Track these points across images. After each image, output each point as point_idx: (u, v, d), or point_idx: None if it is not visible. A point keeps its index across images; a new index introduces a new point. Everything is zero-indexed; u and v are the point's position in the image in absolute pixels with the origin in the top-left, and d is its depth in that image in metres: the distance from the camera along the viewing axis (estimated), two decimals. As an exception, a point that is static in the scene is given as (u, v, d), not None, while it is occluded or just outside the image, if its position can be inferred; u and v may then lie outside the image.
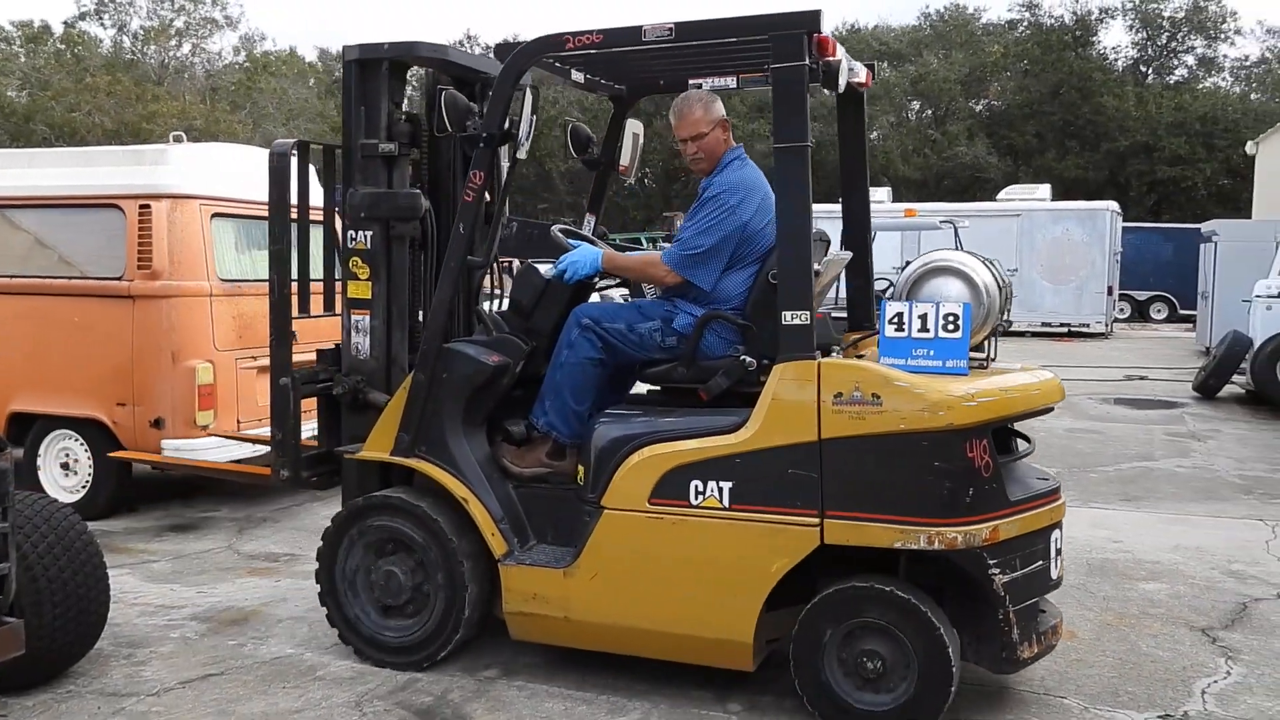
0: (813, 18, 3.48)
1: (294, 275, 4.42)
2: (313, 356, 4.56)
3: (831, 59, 3.53)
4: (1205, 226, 17.17)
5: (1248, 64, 39.81)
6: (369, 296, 4.28)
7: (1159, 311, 26.53)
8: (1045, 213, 20.96)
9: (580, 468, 3.89)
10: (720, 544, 3.58)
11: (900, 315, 3.54)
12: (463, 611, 3.92)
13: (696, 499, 3.60)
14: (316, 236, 4.69)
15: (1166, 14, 38.83)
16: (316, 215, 4.65)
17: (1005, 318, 3.79)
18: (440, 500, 4.03)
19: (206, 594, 4.93)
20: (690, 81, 4.37)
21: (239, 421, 6.13)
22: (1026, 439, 3.90)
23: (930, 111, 41.68)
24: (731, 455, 3.56)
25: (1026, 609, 3.56)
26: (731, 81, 4.35)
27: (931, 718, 3.40)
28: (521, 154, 3.85)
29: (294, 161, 4.38)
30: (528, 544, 3.97)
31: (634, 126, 4.66)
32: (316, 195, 4.74)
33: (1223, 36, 38.13)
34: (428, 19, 74.74)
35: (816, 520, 3.46)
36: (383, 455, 4.11)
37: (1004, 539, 3.45)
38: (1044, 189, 22.85)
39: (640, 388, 4.26)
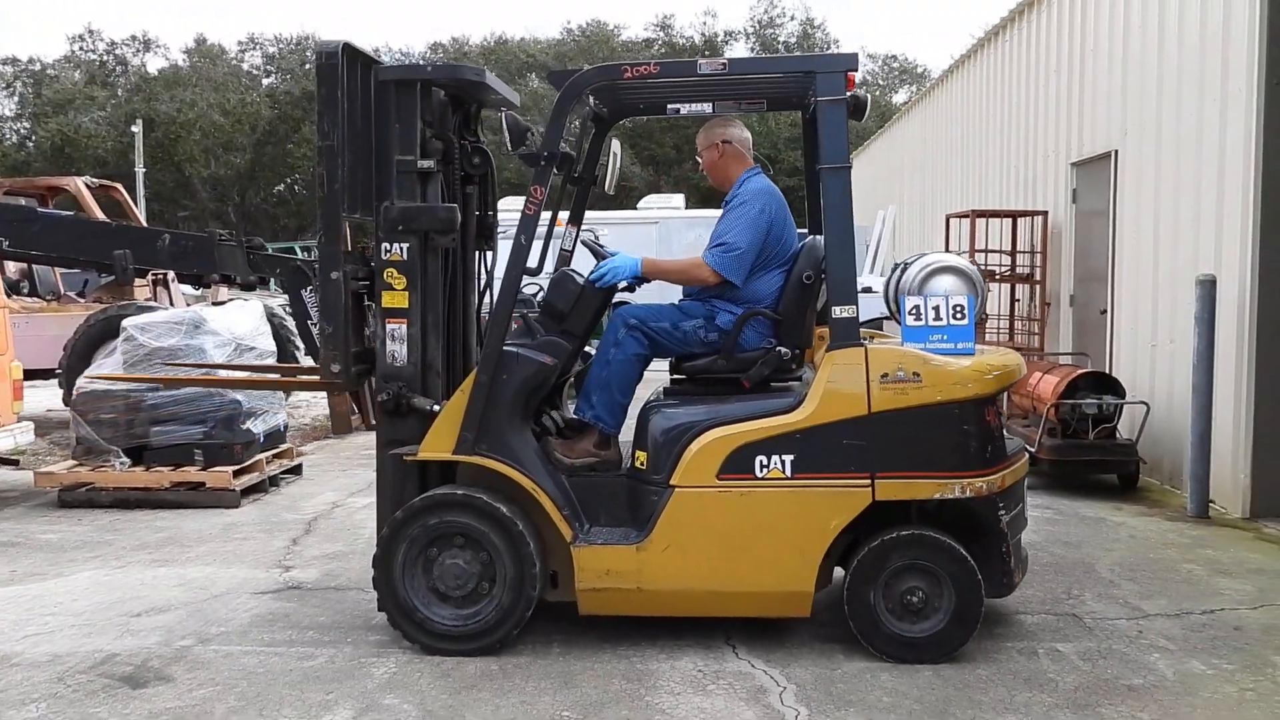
0: (852, 59, 4.16)
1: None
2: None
3: (860, 93, 4.22)
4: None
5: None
6: (406, 306, 4.44)
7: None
8: (680, 220, 22.75)
9: (639, 453, 4.33)
10: (784, 508, 4.16)
11: (918, 307, 4.29)
12: (533, 589, 4.22)
13: (762, 471, 4.16)
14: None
15: (781, 39, 43.37)
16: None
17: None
18: (497, 493, 4.31)
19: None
20: (668, 106, 4.93)
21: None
22: None
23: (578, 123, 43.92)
24: (793, 432, 4.15)
25: (1017, 542, 4.41)
26: (708, 107, 4.95)
27: (964, 639, 4.15)
28: (609, 189, 4.28)
29: (342, 61, 4.33)
30: (586, 527, 4.34)
31: (614, 145, 5.11)
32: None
33: (828, 61, 43.07)
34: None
35: (868, 481, 4.13)
36: (445, 455, 4.32)
37: (1007, 486, 4.28)
38: (678, 198, 24.90)
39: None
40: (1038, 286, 9.67)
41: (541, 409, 4.60)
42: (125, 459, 7.10)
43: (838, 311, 4.16)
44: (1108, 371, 7.61)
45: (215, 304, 10.90)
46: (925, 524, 4.24)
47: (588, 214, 5.18)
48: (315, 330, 9.71)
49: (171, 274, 10.02)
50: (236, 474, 7.03)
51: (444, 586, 4.29)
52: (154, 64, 44.11)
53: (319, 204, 4.41)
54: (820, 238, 4.57)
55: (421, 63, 5.23)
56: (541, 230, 4.58)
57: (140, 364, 7.10)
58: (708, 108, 4.93)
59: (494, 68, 45.18)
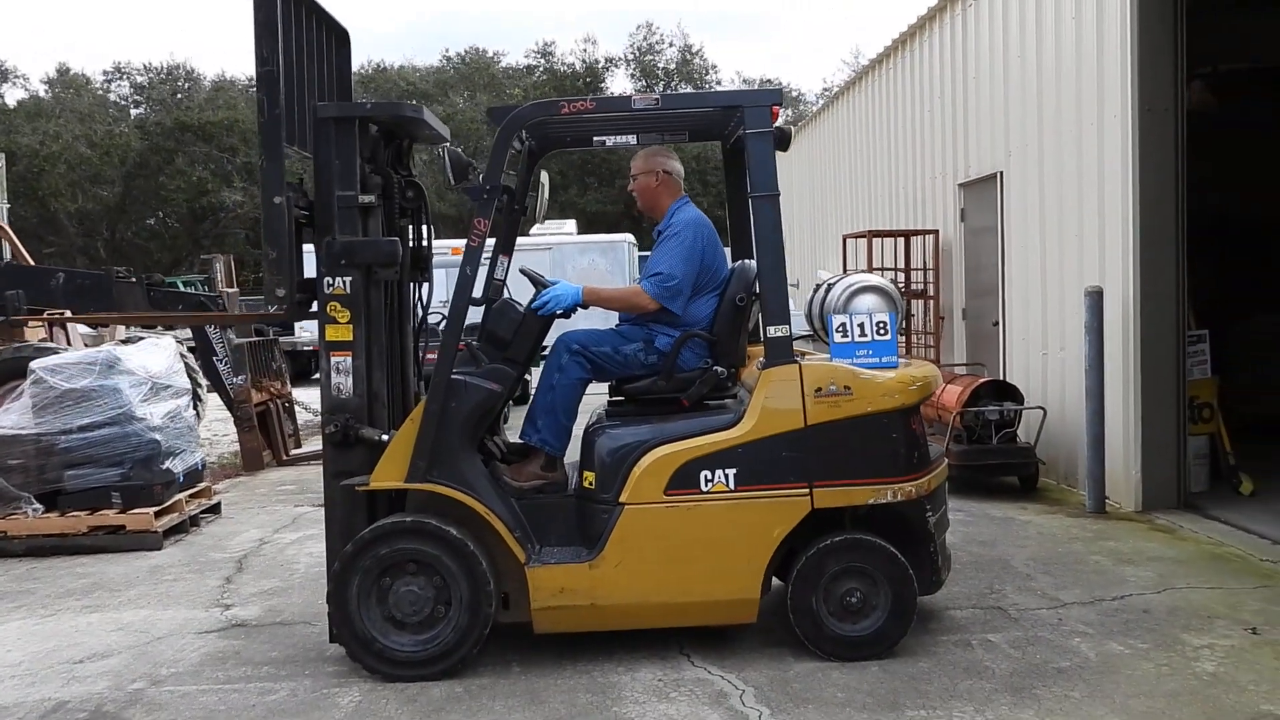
0: (777, 94, 4.43)
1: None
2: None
3: (785, 126, 4.48)
4: None
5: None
6: (350, 338, 4.51)
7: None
8: (573, 245, 23.14)
9: (586, 473, 4.48)
10: (729, 520, 4.36)
11: (844, 325, 4.56)
12: (489, 607, 4.32)
13: (706, 485, 4.35)
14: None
15: (660, 65, 44.20)
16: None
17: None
18: (447, 518, 4.41)
19: None
20: (594, 139, 5.13)
21: None
22: None
23: (461, 149, 43.92)
24: (735, 446, 4.36)
25: (942, 542, 4.70)
26: (633, 139, 5.16)
27: (902, 633, 4.41)
28: (539, 219, 4.40)
29: None
30: (537, 548, 4.47)
31: (543, 177, 5.27)
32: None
33: (707, 86, 43.95)
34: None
35: (807, 490, 4.36)
36: (397, 483, 4.40)
37: (933, 489, 4.57)
38: (570, 224, 25.34)
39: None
40: (931, 301, 10.15)
41: (484, 435, 4.71)
42: (38, 505, 6.91)
43: (772, 331, 4.39)
44: (1003, 379, 8.04)
45: (122, 342, 10.66)
46: (858, 529, 4.49)
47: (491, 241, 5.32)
48: (220, 366, 9.60)
49: (69, 313, 9.73)
50: (158, 515, 6.91)
51: (400, 614, 4.35)
52: (13, 95, 42.38)
53: (259, 129, 4.44)
54: (749, 262, 4.83)
55: (361, 100, 5.30)
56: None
57: (50, 407, 6.94)
58: (633, 139, 5.14)
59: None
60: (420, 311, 5.01)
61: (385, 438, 4.49)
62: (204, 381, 10.72)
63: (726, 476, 4.36)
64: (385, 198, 4.73)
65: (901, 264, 10.61)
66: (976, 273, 9.60)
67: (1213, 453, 7.40)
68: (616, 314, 4.90)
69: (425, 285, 5.10)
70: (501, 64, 45.19)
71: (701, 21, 70.09)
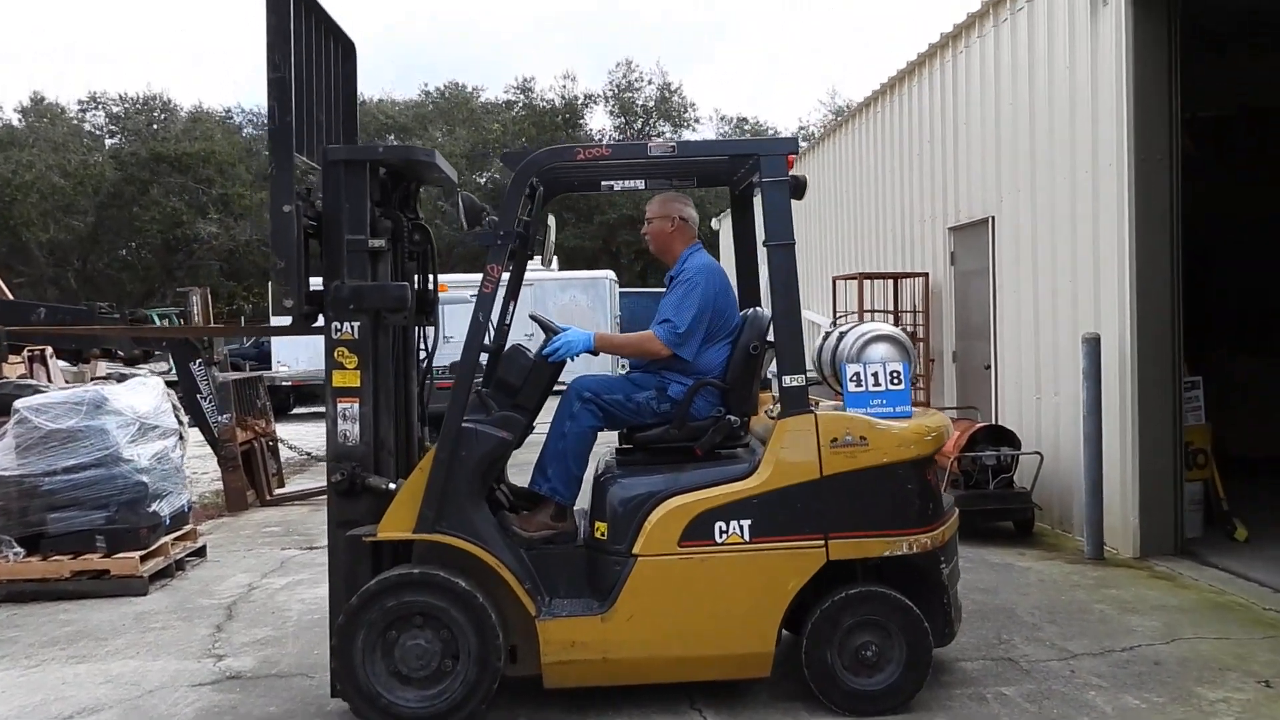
0: (793, 143, 4.43)
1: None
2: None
3: (800, 175, 4.46)
4: None
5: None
6: (358, 384, 4.43)
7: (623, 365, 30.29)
8: (553, 281, 23.14)
9: (598, 524, 4.40)
10: (744, 572, 4.29)
11: (858, 374, 4.53)
12: (498, 661, 4.22)
13: (721, 537, 4.29)
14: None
15: (639, 102, 44.46)
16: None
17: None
18: (455, 569, 4.32)
19: None
20: (602, 184, 5.10)
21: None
22: None
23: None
24: (750, 497, 4.31)
25: (954, 593, 4.65)
26: (641, 184, 5.15)
27: (917, 687, 4.35)
28: (545, 263, 4.37)
29: None
30: (547, 600, 4.38)
31: (550, 220, 5.23)
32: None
33: (685, 124, 44.31)
34: None
35: (822, 542, 4.31)
36: (405, 534, 4.31)
37: (946, 540, 4.52)
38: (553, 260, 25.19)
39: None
40: (921, 344, 10.16)
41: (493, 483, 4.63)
42: (19, 549, 6.74)
43: (788, 380, 4.35)
44: (999, 424, 8.04)
45: (95, 379, 10.47)
46: (870, 581, 4.43)
47: (463, 278, 5.30)
48: (204, 404, 9.45)
49: (49, 349, 9.57)
50: (143, 559, 6.75)
51: (406, 669, 4.25)
52: (-15, 124, 41.99)
53: (269, 136, 4.37)
54: (761, 310, 4.80)
55: (373, 144, 5.30)
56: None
57: (35, 448, 6.79)
58: (641, 185, 5.13)
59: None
60: (427, 355, 4.93)
61: (393, 486, 4.40)
62: (184, 418, 10.54)
63: (741, 528, 4.30)
64: (394, 241, 4.67)
65: (890, 306, 10.63)
66: (967, 315, 9.63)
67: (1205, 498, 7.43)
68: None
69: (431, 329, 5.03)
70: (481, 99, 45.29)
71: (676, 60, 70.78)
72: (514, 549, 4.38)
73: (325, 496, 10.00)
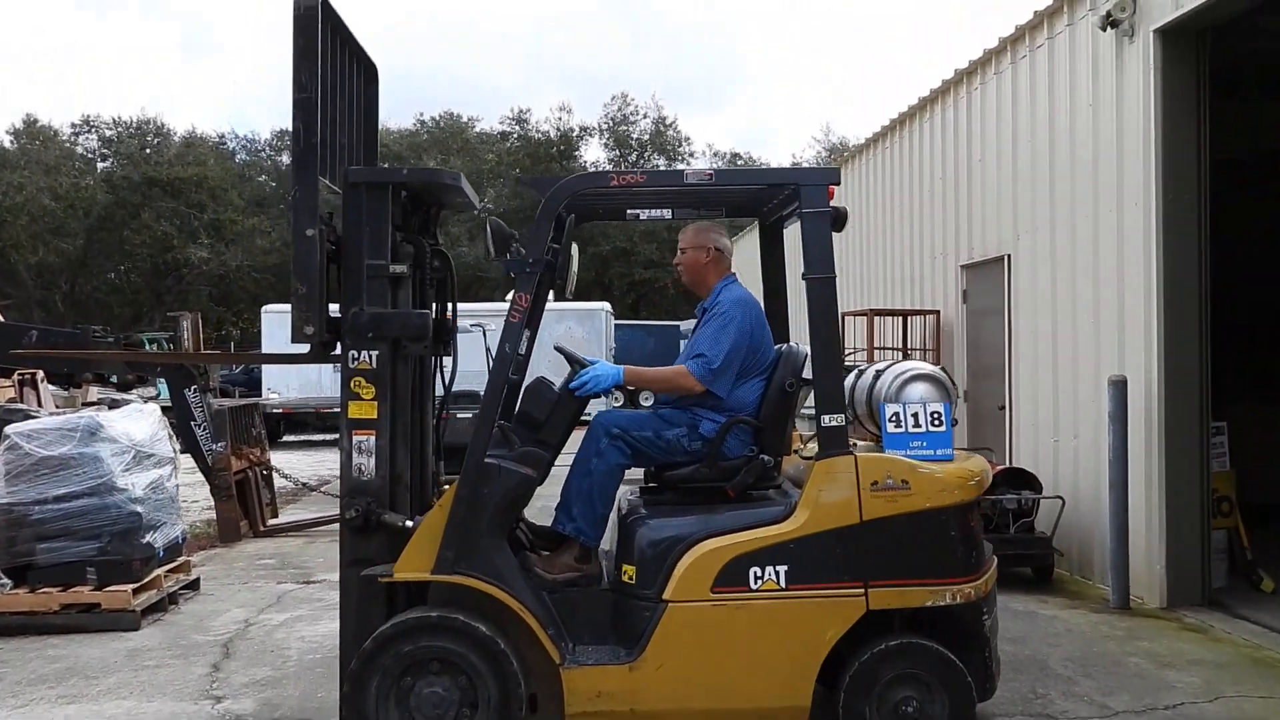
0: (834, 174, 4.25)
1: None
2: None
3: (841, 206, 4.30)
4: (684, 325, 19.74)
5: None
6: (374, 416, 4.23)
7: (647, 399, 29.87)
8: (549, 312, 22.69)
9: (626, 567, 4.19)
10: (779, 621, 4.08)
11: (897, 415, 4.34)
12: (519, 710, 3.99)
13: (756, 583, 4.08)
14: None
15: (634, 135, 44.51)
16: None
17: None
18: (474, 613, 4.09)
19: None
20: (628, 212, 4.93)
21: None
22: None
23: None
24: (787, 541, 4.11)
25: (995, 645, 4.45)
26: (667, 214, 4.98)
27: (959, 746, 4.13)
28: (568, 293, 4.19)
29: (321, 11, 4.18)
30: (571, 647, 4.15)
31: (573, 249, 5.04)
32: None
33: (680, 158, 44.36)
34: None
35: (862, 590, 4.10)
36: (423, 575, 4.09)
37: (988, 590, 4.33)
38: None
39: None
40: (932, 382, 9.98)
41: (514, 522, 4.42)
42: (6, 580, 6.47)
43: (826, 420, 4.17)
44: (1019, 467, 7.86)
45: (87, 404, 10.22)
46: (908, 632, 4.23)
47: (468, 306, 5.10)
48: (199, 431, 9.19)
49: (40, 373, 9.34)
50: (135, 592, 6.49)
51: (421, 717, 4.03)
52: (-23, 145, 41.76)
53: (292, 158, 4.20)
54: (797, 345, 4.62)
55: (396, 166, 5.15)
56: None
57: (25, 475, 6.54)
58: (667, 214, 4.96)
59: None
60: (445, 386, 4.73)
61: (409, 524, 4.19)
62: (175, 445, 10.27)
63: (777, 574, 4.09)
64: (415, 267, 4.48)
65: (899, 344, 10.48)
66: (979, 354, 9.48)
67: (1229, 547, 7.25)
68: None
69: (449, 359, 4.84)
70: (476, 129, 45.29)
71: (672, 94, 71.15)
72: (536, 592, 4.17)
73: (320, 528, 9.78)
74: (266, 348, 21.27)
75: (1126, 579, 6.66)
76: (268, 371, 21.18)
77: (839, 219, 4.30)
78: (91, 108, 63.02)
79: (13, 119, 45.88)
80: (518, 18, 66.90)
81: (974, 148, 9.51)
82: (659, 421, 4.39)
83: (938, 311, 10.16)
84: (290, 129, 4.13)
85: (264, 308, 22.34)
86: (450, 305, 4.77)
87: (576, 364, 4.41)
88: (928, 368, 4.64)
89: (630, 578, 4.17)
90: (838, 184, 4.25)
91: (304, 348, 4.24)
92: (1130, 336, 6.99)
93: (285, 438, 20.05)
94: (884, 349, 10.06)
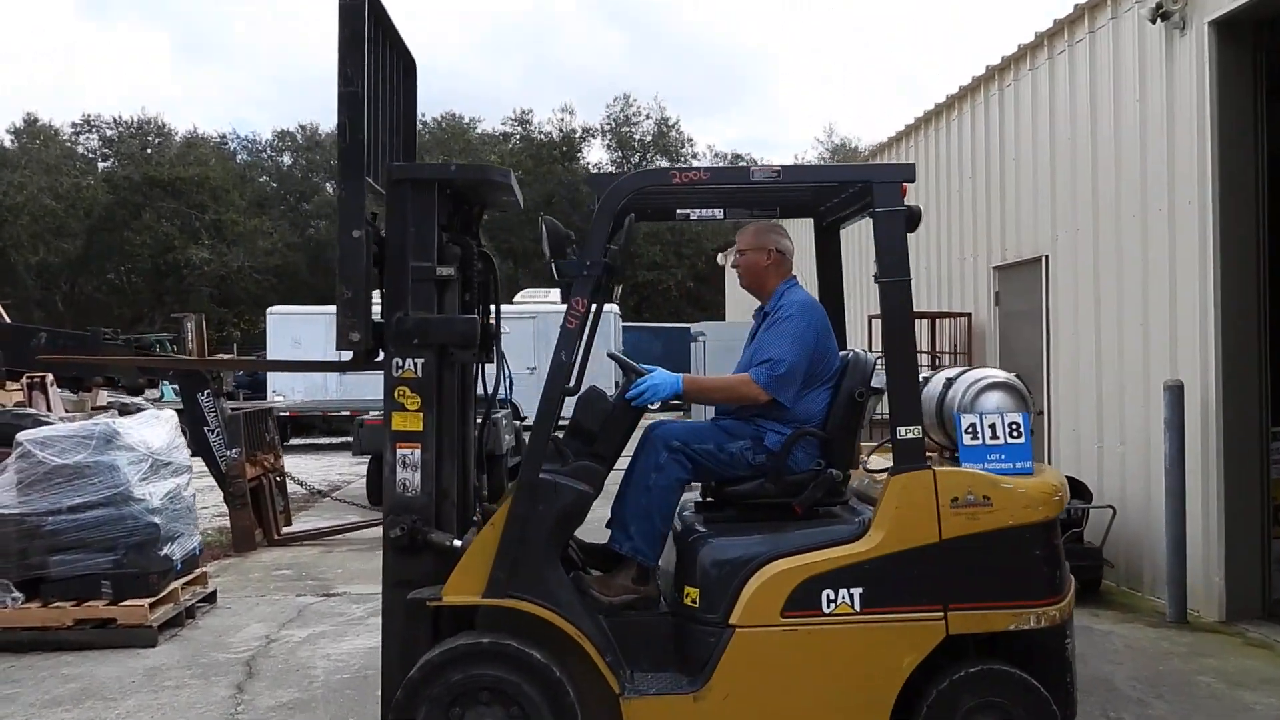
0: (910, 170, 3.99)
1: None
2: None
3: (915, 205, 4.04)
4: (694, 327, 19.43)
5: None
6: (420, 428, 3.97)
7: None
8: (557, 314, 22.27)
9: (688, 589, 3.93)
10: (854, 647, 3.83)
11: (974, 426, 4.08)
12: None
13: (829, 607, 3.83)
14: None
15: (637, 137, 44.32)
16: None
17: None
18: (526, 639, 3.84)
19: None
20: (677, 212, 4.68)
21: None
22: None
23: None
24: (861, 562, 3.85)
25: (1075, 670, 4.19)
26: (719, 213, 4.72)
27: (1044, 778, 3.87)
28: (615, 297, 3.92)
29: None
30: (630, 674, 3.90)
31: None
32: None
33: (682, 159, 44.08)
34: None
35: (941, 614, 3.85)
36: (473, 599, 3.83)
37: (1071, 612, 4.07)
38: (555, 293, 24.78)
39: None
40: (963, 386, 9.73)
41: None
42: (17, 594, 6.21)
43: (902, 432, 3.91)
44: (1070, 476, 7.59)
45: (95, 408, 9.96)
46: (986, 657, 3.98)
47: None
48: (212, 437, 8.93)
49: (49, 376, 9.07)
50: (152, 607, 6.22)
51: (474, 749, 3.76)
52: (-23, 144, 41.48)
53: (338, 155, 3.94)
54: (863, 351, 4.36)
55: (443, 161, 4.93)
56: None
57: (38, 484, 6.28)
58: (719, 213, 4.70)
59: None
60: (492, 395, 4.47)
61: (458, 544, 3.93)
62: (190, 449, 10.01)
63: (851, 597, 3.83)
64: (461, 269, 4.22)
65: (928, 347, 10.23)
66: (1013, 358, 9.21)
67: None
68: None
69: (492, 366, 4.57)
70: (477, 130, 45.04)
71: (671, 96, 70.86)
72: (593, 616, 3.91)
73: (336, 536, 9.49)
74: (271, 351, 20.99)
75: (1184, 591, 6.41)
76: (273, 374, 20.89)
77: (913, 218, 4.04)
78: (92, 107, 62.75)
79: (13, 118, 45.54)
80: (517, 18, 66.61)
81: (1007, 146, 9.26)
82: (720, 433, 4.13)
83: (969, 314, 9.91)
84: (335, 126, 3.87)
85: (269, 310, 22.06)
86: (494, 309, 4.51)
87: (633, 372, 4.15)
88: (1002, 375, 4.38)
89: (693, 601, 3.91)
90: (912, 181, 3.99)
91: (309, 354, 3.98)
92: (1183, 339, 6.74)
93: (292, 441, 19.75)
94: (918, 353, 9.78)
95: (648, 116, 44.36)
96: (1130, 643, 5.95)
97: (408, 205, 3.97)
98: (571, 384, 3.98)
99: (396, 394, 3.96)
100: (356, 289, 3.82)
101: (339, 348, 3.89)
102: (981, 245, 9.76)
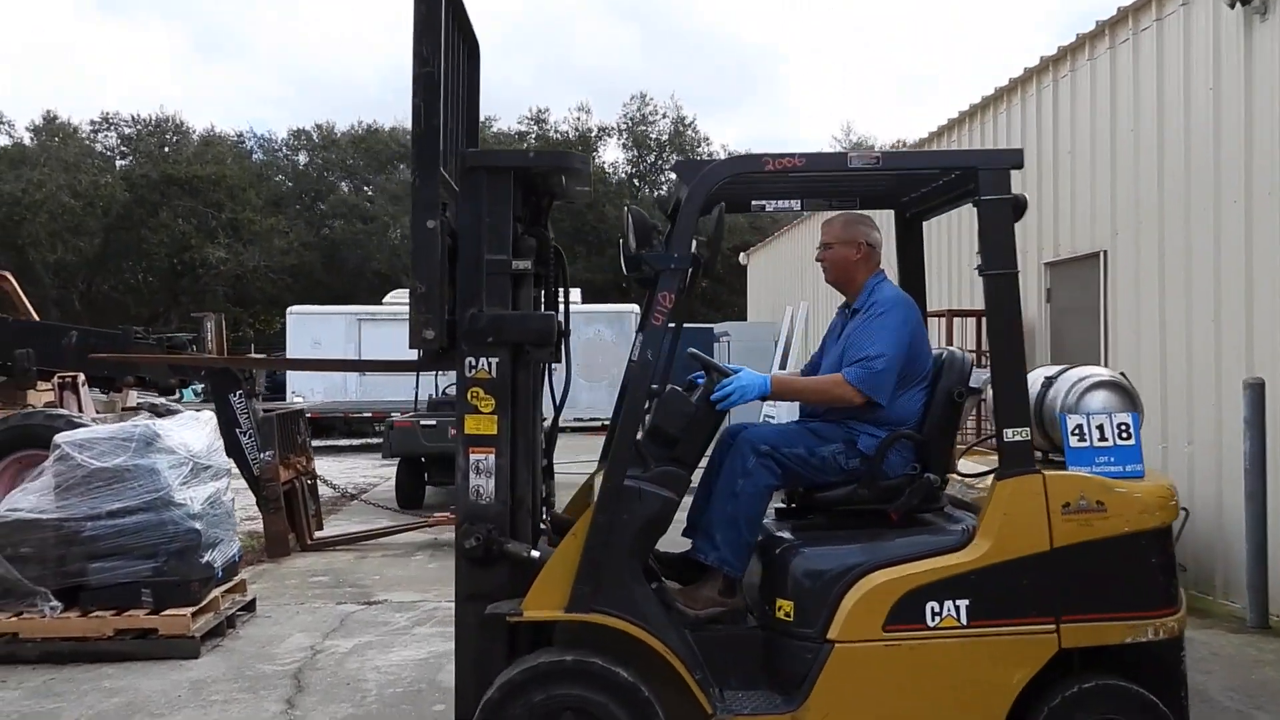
0: (1018, 156, 3.75)
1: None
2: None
3: (1020, 194, 3.80)
4: (718, 328, 19.17)
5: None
6: (494, 432, 3.73)
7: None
8: (578, 315, 21.91)
9: (781, 602, 3.70)
10: (960, 663, 3.59)
11: (1080, 427, 3.84)
12: None
13: (934, 620, 3.59)
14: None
15: (653, 136, 43.99)
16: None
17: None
18: (611, 656, 3.61)
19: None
20: (753, 203, 4.44)
21: None
22: None
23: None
24: (967, 573, 3.61)
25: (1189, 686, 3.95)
26: (796, 204, 4.49)
27: (1164, 800, 3.63)
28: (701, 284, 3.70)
29: None
30: (720, 693, 3.66)
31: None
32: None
33: (699, 157, 43.66)
34: None
35: (1053, 626, 3.61)
36: (557, 614, 3.60)
37: (1185, 623, 3.83)
38: (575, 292, 24.19)
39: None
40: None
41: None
42: (56, 603, 6.00)
43: (1010, 435, 3.68)
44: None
45: (126, 409, 9.77)
46: (1097, 671, 3.73)
47: None
48: (244, 439, 8.72)
49: (81, 376, 8.86)
50: (194, 616, 6.01)
51: (558, 773, 3.53)
52: (-4, 141, 41.41)
53: (412, 141, 3.67)
54: (958, 350, 4.13)
55: (522, 149, 4.69)
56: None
57: (76, 488, 6.08)
58: (796, 205, 4.49)
59: (364, 157, 44.21)
60: (561, 396, 4.24)
61: (535, 554, 3.70)
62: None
63: (957, 609, 3.60)
64: (537, 263, 4.00)
65: (975, 345, 9.97)
66: (1065, 356, 8.93)
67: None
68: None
69: (562, 367, 4.33)
70: (493, 129, 44.80)
71: (686, 94, 70.60)
72: (679, 630, 3.67)
73: (369, 541, 9.27)
74: (291, 350, 20.83)
75: (1265, 596, 6.15)
76: (293, 374, 20.72)
77: (1019, 206, 3.81)
78: (111, 105, 62.78)
79: (33, 116, 45.47)
80: (526, 15, 66.45)
81: (1061, 139, 8.99)
82: (811, 436, 3.89)
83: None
84: (410, 114, 3.61)
85: (289, 309, 21.89)
86: (565, 306, 4.28)
87: (717, 372, 3.90)
88: (1107, 373, 4.14)
89: (787, 614, 3.67)
90: (1021, 167, 3.75)
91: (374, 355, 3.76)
92: (1260, 336, 6.48)
93: (313, 443, 19.57)
94: (961, 349, 9.53)
95: (664, 115, 44.07)
96: (1215, 650, 5.70)
97: (482, 195, 3.74)
98: (656, 385, 3.75)
99: (470, 395, 3.74)
100: (431, 284, 3.58)
101: (412, 345, 3.66)
102: (1032, 241, 9.49)
